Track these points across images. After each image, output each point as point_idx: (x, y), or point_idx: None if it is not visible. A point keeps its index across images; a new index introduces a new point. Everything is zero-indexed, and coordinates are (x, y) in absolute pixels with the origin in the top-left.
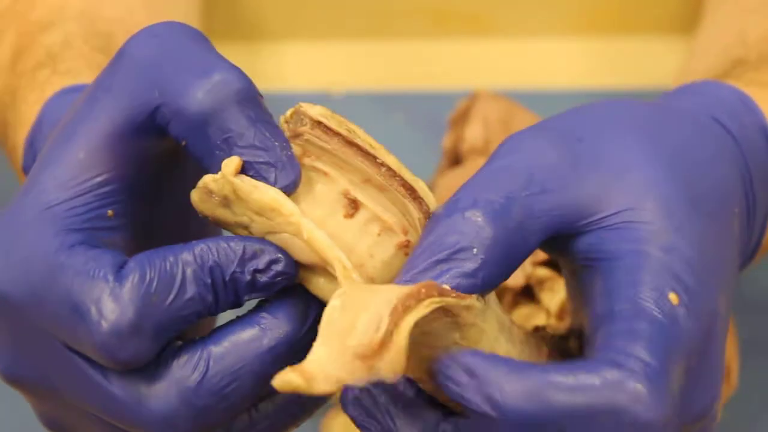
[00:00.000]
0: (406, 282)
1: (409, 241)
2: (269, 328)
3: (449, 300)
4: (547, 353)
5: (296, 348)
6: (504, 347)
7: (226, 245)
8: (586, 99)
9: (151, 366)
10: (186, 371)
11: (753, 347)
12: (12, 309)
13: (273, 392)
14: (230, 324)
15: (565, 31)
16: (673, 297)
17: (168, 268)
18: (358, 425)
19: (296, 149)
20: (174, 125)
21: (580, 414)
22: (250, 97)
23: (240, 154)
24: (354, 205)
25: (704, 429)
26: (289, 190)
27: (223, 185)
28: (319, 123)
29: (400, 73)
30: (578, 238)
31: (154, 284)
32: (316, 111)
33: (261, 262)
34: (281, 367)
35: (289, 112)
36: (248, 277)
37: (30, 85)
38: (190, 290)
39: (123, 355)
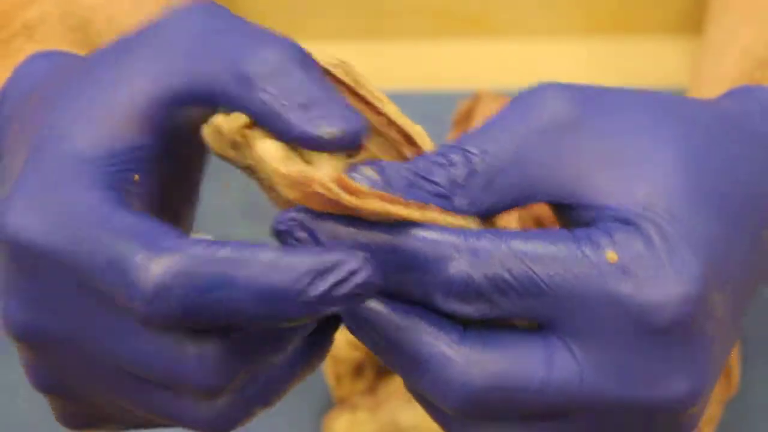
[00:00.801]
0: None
1: None
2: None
3: (436, 216)
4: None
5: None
6: None
7: (294, 257)
8: None
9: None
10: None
11: (753, 347)
12: (45, 261)
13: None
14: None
15: (568, 31)
16: None
17: (227, 265)
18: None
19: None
20: (236, 89)
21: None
22: (311, 64)
23: (304, 102)
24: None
25: (691, 419)
26: (359, 133)
27: (233, 129)
28: (327, 71)
29: (402, 73)
30: (570, 215)
31: (209, 279)
32: (325, 59)
33: (339, 275)
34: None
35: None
36: (319, 291)
37: (4, 52)
38: (245, 301)
39: (155, 311)
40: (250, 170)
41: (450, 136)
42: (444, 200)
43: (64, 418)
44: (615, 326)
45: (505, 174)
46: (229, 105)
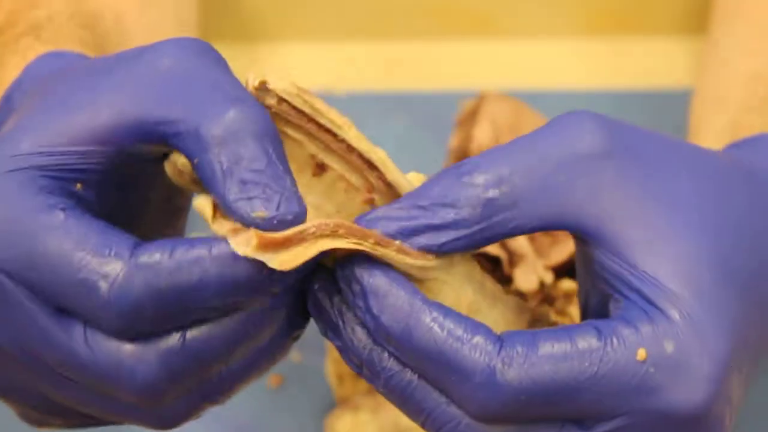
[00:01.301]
0: (383, 212)
1: (373, 198)
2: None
3: (388, 253)
4: (529, 321)
5: (266, 315)
6: (470, 297)
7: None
8: (592, 100)
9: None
10: (169, 338)
11: None
12: None
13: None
14: None
15: (572, 31)
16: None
17: (186, 257)
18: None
19: (272, 100)
20: (188, 142)
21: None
22: (267, 131)
23: (248, 177)
24: (322, 167)
25: None
26: (293, 221)
27: (189, 170)
28: (285, 101)
29: (406, 74)
30: (589, 246)
31: (170, 268)
32: (280, 87)
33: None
34: (255, 336)
35: (256, 83)
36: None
37: (12, 51)
38: (203, 292)
39: (120, 324)
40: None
41: (453, 137)
42: (454, 229)
43: (23, 416)
44: (641, 421)
45: (530, 200)
46: (180, 152)
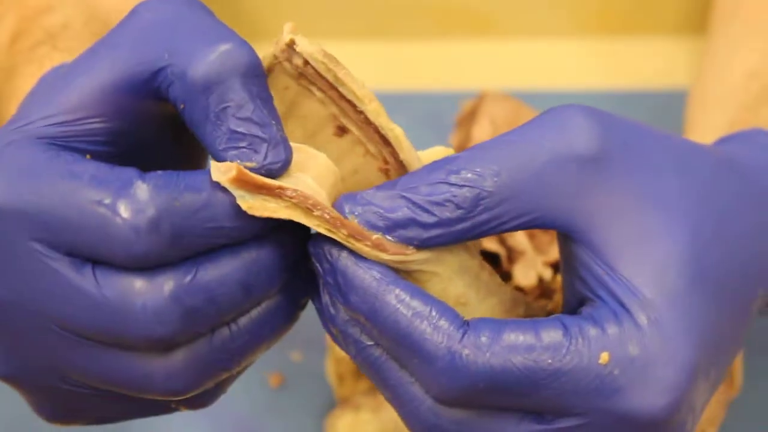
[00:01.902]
0: (369, 197)
1: (389, 169)
2: (257, 244)
3: (361, 248)
4: (520, 316)
5: (281, 264)
6: (459, 289)
7: None
8: (592, 100)
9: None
10: (179, 272)
11: (755, 348)
12: None
13: (252, 307)
14: None
15: (573, 31)
16: None
17: (196, 182)
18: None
19: (292, 71)
20: (175, 87)
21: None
22: (255, 73)
23: (235, 126)
24: (342, 129)
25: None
26: (280, 168)
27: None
28: (308, 63)
29: (406, 74)
30: (572, 243)
31: (180, 190)
32: (307, 51)
33: None
34: (265, 280)
35: (286, 39)
36: None
37: (28, 60)
38: (218, 206)
39: (138, 250)
40: None
41: (453, 137)
42: (446, 227)
43: (40, 411)
44: (600, 422)
45: (516, 198)
46: (170, 100)
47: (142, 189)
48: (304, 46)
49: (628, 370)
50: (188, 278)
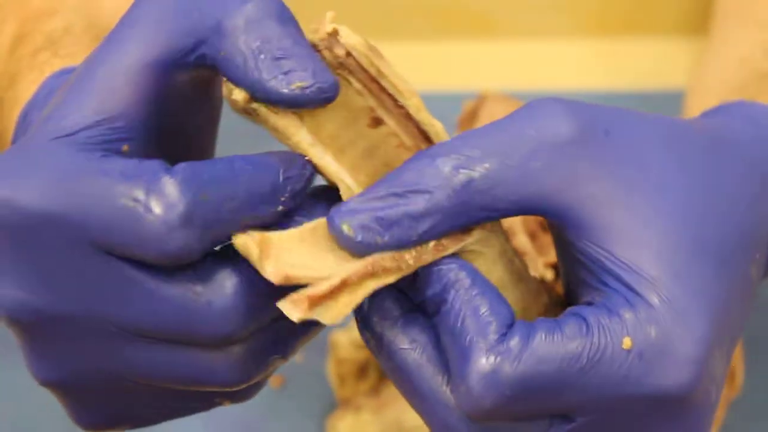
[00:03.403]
0: (361, 202)
1: None
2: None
3: (426, 262)
4: (545, 304)
5: None
6: (500, 272)
7: (267, 158)
8: (593, 100)
9: (198, 264)
10: (237, 268)
11: (754, 347)
12: (37, 226)
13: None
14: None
15: (574, 31)
16: None
17: (218, 171)
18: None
19: (331, 60)
20: (214, 41)
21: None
22: (289, 17)
23: (280, 54)
24: (378, 121)
25: None
26: (330, 87)
27: (245, 103)
28: (349, 54)
29: (407, 74)
30: (566, 231)
31: (205, 182)
32: (350, 43)
33: (294, 170)
34: None
35: (329, 29)
36: (288, 186)
37: (29, 66)
38: (241, 194)
39: (172, 246)
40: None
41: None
42: (431, 218)
43: (81, 418)
44: (630, 408)
45: (506, 184)
46: (208, 62)
47: (170, 184)
48: (347, 37)
49: (649, 352)
50: (246, 274)
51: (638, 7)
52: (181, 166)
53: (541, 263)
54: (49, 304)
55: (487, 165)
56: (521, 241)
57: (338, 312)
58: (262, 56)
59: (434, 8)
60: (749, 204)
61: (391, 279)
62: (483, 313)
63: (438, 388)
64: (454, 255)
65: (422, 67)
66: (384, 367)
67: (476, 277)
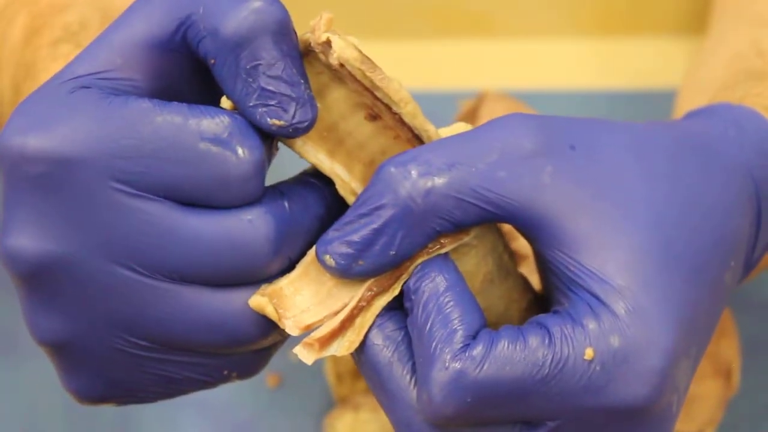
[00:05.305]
0: (336, 235)
1: None
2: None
3: (424, 258)
4: (531, 299)
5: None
6: (489, 267)
7: None
8: (591, 100)
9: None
10: (276, 202)
11: (753, 347)
12: (73, 172)
13: None
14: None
15: (573, 31)
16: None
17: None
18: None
19: (327, 62)
20: (206, 43)
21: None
22: (286, 31)
23: (265, 84)
24: (375, 117)
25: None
26: (306, 127)
27: (232, 109)
28: (342, 66)
29: (405, 73)
30: (535, 240)
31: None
32: (344, 56)
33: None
34: (336, 213)
35: (321, 39)
36: None
37: (51, 56)
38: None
39: (252, 187)
40: None
41: None
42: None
43: (75, 384)
44: (589, 417)
45: (471, 193)
46: (200, 56)
47: (246, 127)
48: (340, 50)
49: (611, 363)
50: (286, 204)
51: (637, 7)
52: (236, 113)
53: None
54: (78, 250)
55: (451, 173)
56: (522, 243)
57: (351, 342)
58: (250, 80)
59: (433, 7)
60: (725, 211)
61: (397, 290)
62: (452, 320)
63: (405, 387)
64: (446, 253)
65: (421, 67)
66: (355, 360)
67: (453, 281)
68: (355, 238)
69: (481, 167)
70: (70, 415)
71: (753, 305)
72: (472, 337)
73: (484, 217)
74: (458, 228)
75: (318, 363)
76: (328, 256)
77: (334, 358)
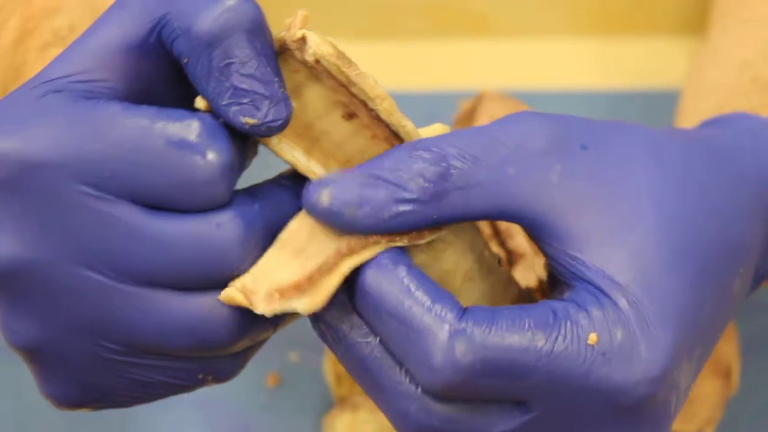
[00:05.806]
0: (335, 177)
1: None
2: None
3: (397, 243)
4: (514, 297)
5: None
6: (469, 264)
7: None
8: (591, 99)
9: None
10: (249, 203)
11: (753, 347)
12: (39, 176)
13: None
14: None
15: (572, 31)
16: None
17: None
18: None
19: (303, 59)
20: (180, 42)
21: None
22: (259, 29)
23: (238, 82)
24: (352, 115)
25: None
26: (280, 126)
27: (206, 109)
28: (318, 63)
29: (404, 73)
30: (540, 238)
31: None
32: (319, 51)
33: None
34: None
35: (297, 35)
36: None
37: (40, 59)
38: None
39: (220, 190)
40: None
41: None
42: (409, 204)
43: (52, 389)
44: (587, 405)
45: (481, 186)
46: (175, 56)
47: (214, 130)
48: (316, 46)
49: (612, 352)
50: (256, 206)
51: (637, 6)
52: (207, 115)
53: (539, 264)
54: (46, 254)
55: (463, 164)
56: (519, 242)
57: (313, 302)
58: (223, 78)
59: (433, 7)
60: (736, 218)
61: (365, 256)
62: (440, 298)
63: (396, 378)
64: (402, 248)
65: (420, 66)
66: (340, 360)
67: (417, 274)
68: (361, 188)
69: (492, 161)
70: (69, 415)
71: (753, 305)
72: (461, 310)
73: (490, 212)
74: (462, 220)
75: (318, 363)
76: (325, 195)
77: (333, 359)
